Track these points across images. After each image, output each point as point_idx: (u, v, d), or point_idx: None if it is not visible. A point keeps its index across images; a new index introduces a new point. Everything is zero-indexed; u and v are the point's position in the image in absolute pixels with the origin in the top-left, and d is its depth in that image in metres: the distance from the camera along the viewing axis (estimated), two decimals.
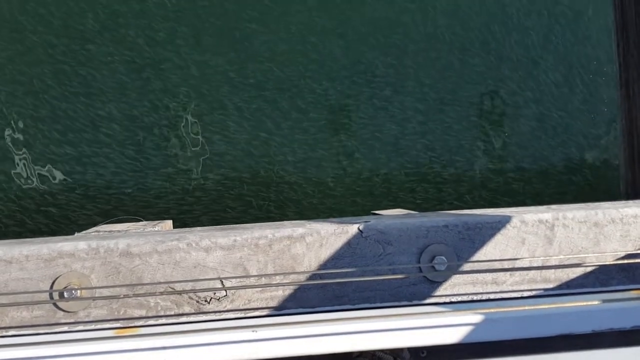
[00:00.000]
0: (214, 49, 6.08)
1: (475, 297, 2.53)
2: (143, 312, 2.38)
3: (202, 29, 6.07)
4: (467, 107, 6.28)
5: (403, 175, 6.11)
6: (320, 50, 6.14)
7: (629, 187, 3.86)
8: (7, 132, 5.76)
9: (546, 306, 2.26)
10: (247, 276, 2.42)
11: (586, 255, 2.58)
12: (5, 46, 5.77)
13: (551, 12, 6.36)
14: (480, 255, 2.53)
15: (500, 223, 2.55)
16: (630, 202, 2.97)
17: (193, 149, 6.02)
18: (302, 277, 2.44)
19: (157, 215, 5.68)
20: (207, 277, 2.40)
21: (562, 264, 2.55)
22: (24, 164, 5.77)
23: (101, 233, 3.07)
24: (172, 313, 2.39)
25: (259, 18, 6.09)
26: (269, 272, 2.43)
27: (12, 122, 5.78)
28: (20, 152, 5.78)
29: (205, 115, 6.07)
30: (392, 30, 6.23)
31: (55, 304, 2.33)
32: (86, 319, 2.35)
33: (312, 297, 2.45)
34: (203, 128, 6.05)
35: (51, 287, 2.33)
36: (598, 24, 6.28)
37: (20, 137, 5.78)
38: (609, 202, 2.88)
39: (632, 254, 2.58)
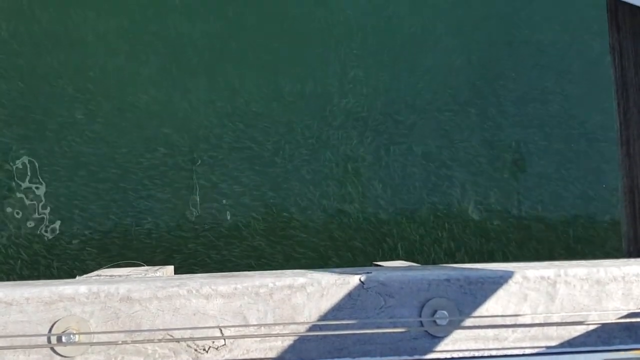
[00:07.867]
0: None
1: (477, 354, 2.50)
2: (140, 359, 2.35)
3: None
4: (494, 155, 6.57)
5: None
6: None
7: (631, 244, 3.85)
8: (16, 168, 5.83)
9: None
10: (247, 325, 2.40)
11: (588, 313, 2.55)
12: None
13: None
14: (482, 310, 2.51)
15: (502, 278, 2.54)
16: (632, 260, 2.97)
17: (197, 196, 6.06)
18: (302, 328, 2.42)
19: (159, 261, 5.67)
20: (206, 325, 2.38)
21: (564, 321, 2.53)
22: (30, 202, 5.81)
23: (102, 277, 3.06)
24: None
25: None
26: (269, 322, 2.41)
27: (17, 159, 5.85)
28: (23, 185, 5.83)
29: (209, 159, 6.13)
30: None
31: (52, 349, 2.30)
32: None
33: (311, 348, 2.43)
34: (205, 174, 6.10)
35: (50, 330, 2.31)
36: None
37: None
38: (611, 260, 2.88)
39: (635, 313, 2.55)
